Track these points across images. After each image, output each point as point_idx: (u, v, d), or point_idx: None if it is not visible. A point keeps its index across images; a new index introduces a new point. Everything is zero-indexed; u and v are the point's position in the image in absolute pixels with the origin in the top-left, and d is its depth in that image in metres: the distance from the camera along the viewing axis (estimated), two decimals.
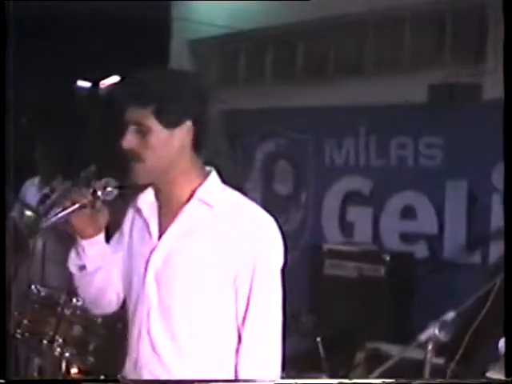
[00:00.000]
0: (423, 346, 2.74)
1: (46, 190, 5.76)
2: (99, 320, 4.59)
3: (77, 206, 2.52)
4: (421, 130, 6.16)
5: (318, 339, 3.92)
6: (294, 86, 9.34)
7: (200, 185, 2.53)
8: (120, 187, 2.58)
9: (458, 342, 3.02)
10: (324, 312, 5.39)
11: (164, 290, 2.52)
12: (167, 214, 2.56)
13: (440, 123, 6.05)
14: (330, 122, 6.75)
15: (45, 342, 4.70)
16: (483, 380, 2.82)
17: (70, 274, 2.72)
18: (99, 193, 2.54)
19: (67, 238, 5.56)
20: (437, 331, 2.71)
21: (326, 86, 8.70)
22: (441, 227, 5.95)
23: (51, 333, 4.67)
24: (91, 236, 2.61)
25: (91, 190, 2.54)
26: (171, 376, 2.51)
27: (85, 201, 2.52)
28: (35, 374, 4.98)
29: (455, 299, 3.01)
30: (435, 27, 7.37)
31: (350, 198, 6.62)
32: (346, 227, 6.62)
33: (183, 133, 2.47)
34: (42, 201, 5.60)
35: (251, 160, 7.37)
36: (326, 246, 5.93)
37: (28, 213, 5.79)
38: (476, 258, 5.62)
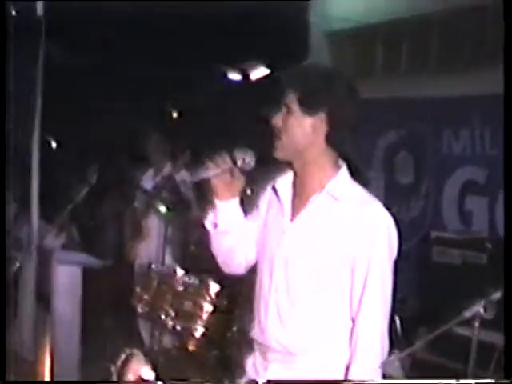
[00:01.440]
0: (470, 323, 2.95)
1: (158, 179, 6.33)
2: (207, 297, 5.02)
3: (218, 170, 2.92)
4: None
5: (396, 318, 4.15)
6: (426, 76, 9.46)
7: (330, 178, 2.86)
8: (258, 160, 2.96)
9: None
10: (426, 297, 5.61)
11: (291, 269, 2.86)
12: (299, 200, 2.91)
13: None
14: (447, 113, 6.87)
15: (162, 316, 5.17)
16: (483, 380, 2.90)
17: (207, 233, 3.11)
18: (239, 162, 2.92)
19: (187, 224, 6.11)
20: (481, 309, 2.92)
21: (459, 75, 8.79)
22: None
23: (166, 307, 5.14)
24: (226, 199, 3.00)
25: (232, 159, 2.94)
26: (293, 346, 2.85)
27: (226, 166, 2.93)
28: (156, 346, 5.45)
29: None
30: None
31: (468, 187, 6.74)
32: (464, 216, 6.76)
33: (318, 122, 2.81)
34: (155, 188, 6.15)
35: (374, 150, 7.59)
36: (433, 234, 6.10)
37: (143, 198, 6.39)
38: None
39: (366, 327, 2.81)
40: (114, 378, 5.31)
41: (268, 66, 15.38)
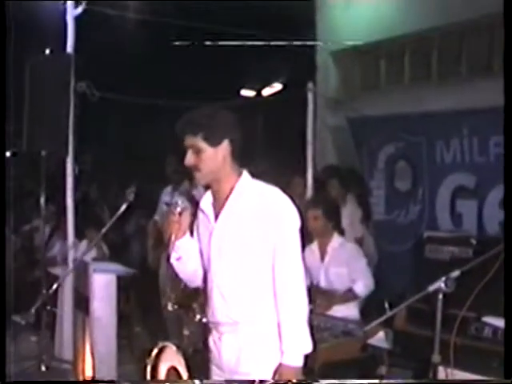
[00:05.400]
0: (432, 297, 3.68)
1: (177, 194, 7.11)
2: None
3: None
4: None
5: (386, 304, 4.87)
6: (427, 89, 10.14)
7: (237, 181, 3.71)
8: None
9: (466, 295, 3.93)
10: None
11: (223, 258, 3.71)
12: (218, 205, 3.78)
13: None
14: (440, 125, 7.57)
15: (189, 312, 5.87)
16: (483, 380, 3.45)
17: (171, 265, 3.95)
18: (178, 209, 3.80)
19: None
20: (443, 285, 3.66)
21: (455, 89, 9.46)
22: None
23: (193, 304, 5.84)
24: (181, 237, 3.82)
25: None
26: (236, 316, 3.67)
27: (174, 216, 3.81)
28: (185, 340, 6.15)
29: None
30: None
31: (459, 191, 7.45)
32: (455, 217, 7.46)
33: (224, 149, 3.67)
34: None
35: (375, 161, 8.32)
36: (425, 234, 6.77)
37: (166, 211, 7.13)
38: None
39: (286, 290, 3.58)
40: (149, 370, 6.02)
41: (281, 81, 16.17)
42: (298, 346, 3.59)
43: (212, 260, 3.76)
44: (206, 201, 3.85)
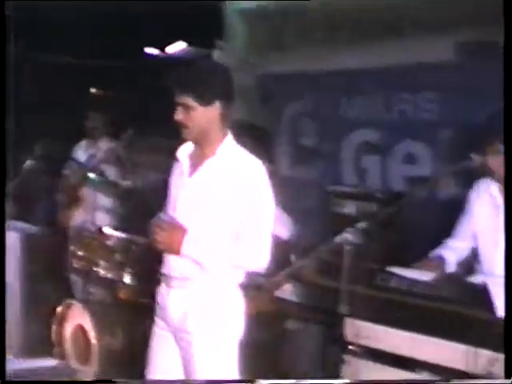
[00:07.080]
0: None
1: (93, 151, 6.95)
2: (133, 247, 5.67)
3: None
4: (419, 87, 6.95)
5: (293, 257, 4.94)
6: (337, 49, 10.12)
7: (220, 142, 3.75)
8: None
9: (372, 247, 4.01)
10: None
11: (187, 214, 3.73)
12: (197, 159, 3.80)
13: (440, 80, 6.79)
14: (344, 83, 7.63)
15: (94, 268, 5.85)
16: (483, 380, 3.43)
17: None
18: None
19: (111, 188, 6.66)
20: (349, 236, 3.72)
21: (365, 47, 9.46)
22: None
23: (98, 260, 5.81)
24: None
25: None
26: (185, 271, 3.73)
27: None
28: (90, 297, 6.11)
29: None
30: None
31: (363, 147, 7.56)
32: (360, 173, 7.57)
33: (214, 109, 3.68)
34: (88, 159, 6.78)
35: (281, 118, 8.36)
36: (330, 188, 6.89)
37: (77, 169, 6.96)
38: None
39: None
40: (54, 329, 5.95)
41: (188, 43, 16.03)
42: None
43: (176, 213, 3.79)
44: (184, 150, 3.87)
